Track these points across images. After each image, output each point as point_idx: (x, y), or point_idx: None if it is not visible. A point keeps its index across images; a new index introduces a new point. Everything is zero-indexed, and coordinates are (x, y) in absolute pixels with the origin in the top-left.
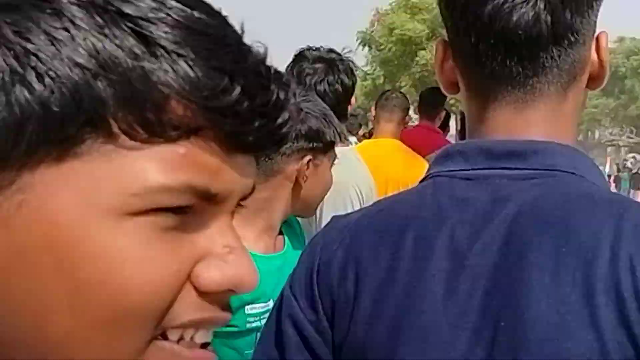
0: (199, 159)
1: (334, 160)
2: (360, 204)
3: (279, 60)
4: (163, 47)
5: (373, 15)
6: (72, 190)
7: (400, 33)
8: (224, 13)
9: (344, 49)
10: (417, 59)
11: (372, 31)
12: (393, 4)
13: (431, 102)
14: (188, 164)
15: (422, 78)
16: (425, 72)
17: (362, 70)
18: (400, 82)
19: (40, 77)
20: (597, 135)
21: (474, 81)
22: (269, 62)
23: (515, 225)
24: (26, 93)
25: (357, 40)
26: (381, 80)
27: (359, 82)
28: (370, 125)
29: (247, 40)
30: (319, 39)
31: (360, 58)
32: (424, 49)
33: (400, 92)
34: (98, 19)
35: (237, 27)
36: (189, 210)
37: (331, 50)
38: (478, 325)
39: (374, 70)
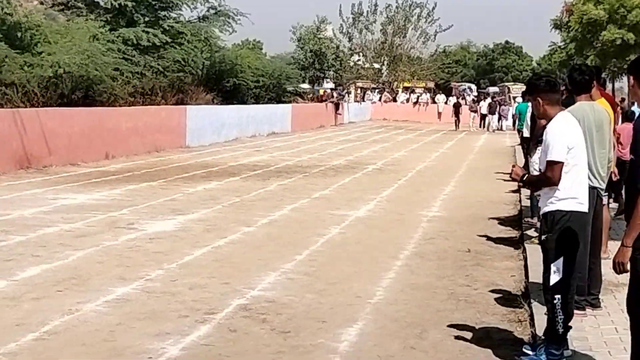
0: None
1: None
2: None
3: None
4: None
5: (562, 6)
6: None
7: (586, 17)
8: None
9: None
10: (600, 37)
11: (562, 18)
12: None
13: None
14: None
15: (602, 52)
16: (604, 47)
17: (559, 46)
18: (586, 53)
19: None
20: None
21: None
22: None
23: None
24: None
25: (550, 24)
26: (572, 53)
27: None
28: None
29: None
30: (517, 27)
31: (555, 37)
32: (603, 29)
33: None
34: None
35: None
36: None
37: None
38: None
39: (567, 44)
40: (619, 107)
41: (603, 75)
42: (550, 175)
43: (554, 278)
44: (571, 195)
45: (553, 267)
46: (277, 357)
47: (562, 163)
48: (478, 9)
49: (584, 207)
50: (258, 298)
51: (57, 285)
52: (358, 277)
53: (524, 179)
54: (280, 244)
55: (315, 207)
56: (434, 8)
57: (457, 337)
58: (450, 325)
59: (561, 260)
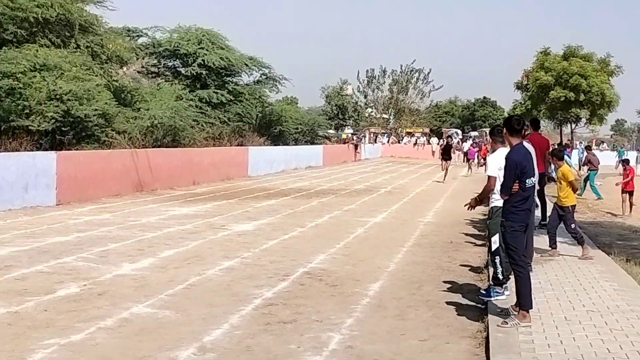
0: None
1: None
2: None
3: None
4: None
5: (523, 72)
6: None
7: (539, 82)
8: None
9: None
10: (549, 95)
11: (522, 82)
12: (534, 66)
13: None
14: None
15: (551, 106)
16: (553, 102)
17: (520, 102)
18: (539, 108)
19: None
20: None
21: None
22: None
23: None
24: None
25: (514, 86)
26: (529, 107)
27: (518, 108)
28: None
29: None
30: (492, 86)
31: (517, 95)
32: (552, 89)
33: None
34: None
35: None
36: None
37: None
38: None
39: (525, 101)
40: (552, 145)
41: (550, 123)
42: (488, 185)
43: (494, 246)
44: None
45: (493, 239)
46: (331, 298)
47: (495, 177)
48: (462, 72)
49: None
50: (315, 268)
51: (186, 260)
52: (378, 257)
53: (477, 199)
54: (324, 238)
55: (345, 216)
56: (429, 72)
57: (442, 290)
58: (439, 283)
59: (497, 235)
